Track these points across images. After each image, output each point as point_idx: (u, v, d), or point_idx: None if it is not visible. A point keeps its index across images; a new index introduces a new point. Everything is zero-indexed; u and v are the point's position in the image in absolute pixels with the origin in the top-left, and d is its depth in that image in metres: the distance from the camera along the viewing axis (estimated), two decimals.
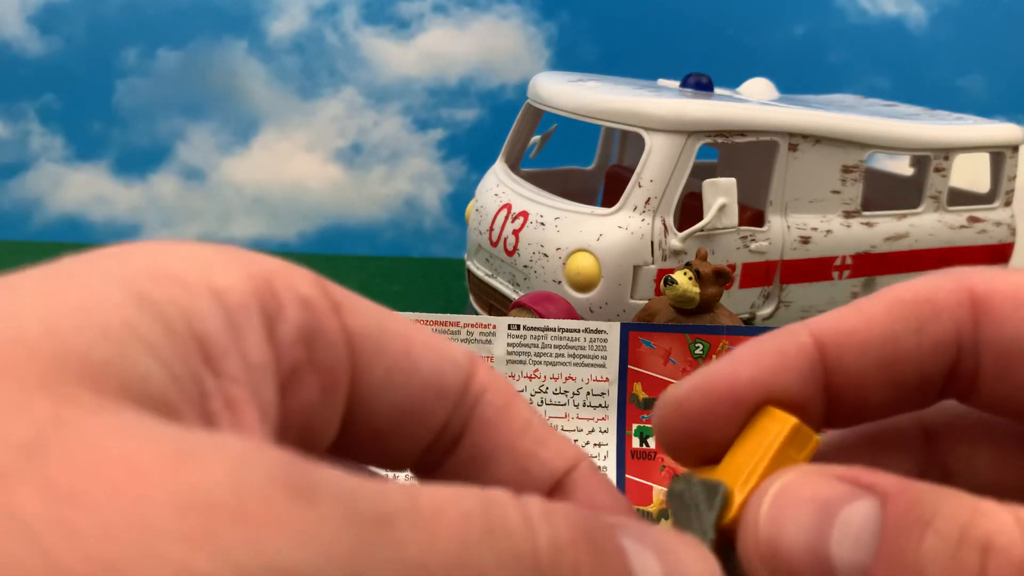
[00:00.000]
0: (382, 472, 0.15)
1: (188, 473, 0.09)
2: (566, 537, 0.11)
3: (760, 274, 0.62)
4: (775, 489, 0.13)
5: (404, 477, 0.16)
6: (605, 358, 0.51)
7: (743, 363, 0.14)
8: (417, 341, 0.14)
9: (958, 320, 0.14)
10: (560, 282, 0.59)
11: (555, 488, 0.15)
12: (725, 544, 0.14)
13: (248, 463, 0.10)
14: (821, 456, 0.14)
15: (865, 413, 0.15)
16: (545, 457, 0.15)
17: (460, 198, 1.00)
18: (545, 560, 0.11)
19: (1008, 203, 0.74)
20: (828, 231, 0.64)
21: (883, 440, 0.15)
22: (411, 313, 0.50)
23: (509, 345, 0.50)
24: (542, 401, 0.50)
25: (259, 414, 0.12)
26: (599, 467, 0.16)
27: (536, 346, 0.51)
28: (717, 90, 0.69)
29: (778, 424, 0.14)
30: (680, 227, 0.59)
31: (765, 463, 0.14)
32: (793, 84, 0.78)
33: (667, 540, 0.12)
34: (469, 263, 0.69)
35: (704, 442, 0.14)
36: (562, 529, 0.11)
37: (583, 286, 0.58)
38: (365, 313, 0.14)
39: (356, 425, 0.14)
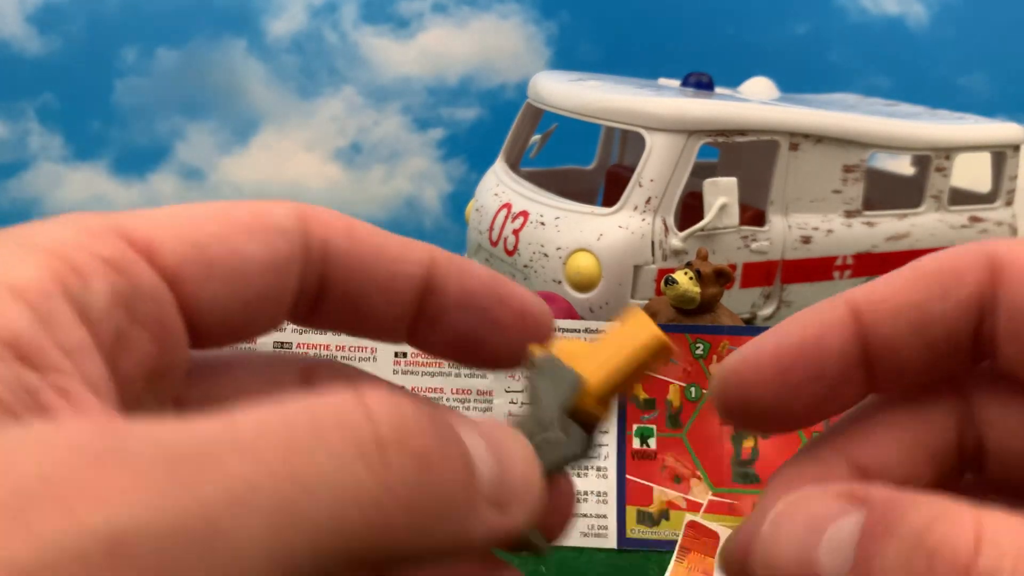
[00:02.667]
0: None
1: None
2: (412, 423, 0.12)
3: (761, 274, 0.62)
4: (777, 509, 0.14)
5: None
6: None
7: (788, 335, 0.15)
8: (232, 238, 0.14)
9: (980, 284, 0.14)
10: (560, 282, 0.59)
11: (426, 291, 0.16)
12: (572, 424, 0.15)
13: (50, 444, 0.10)
14: (866, 427, 0.15)
15: (903, 376, 0.15)
16: (404, 271, 0.16)
17: (460, 198, 1.00)
18: (387, 435, 0.11)
19: (1009, 203, 0.74)
20: (829, 231, 0.64)
21: (921, 408, 0.16)
22: None
23: None
24: None
25: (92, 390, 0.12)
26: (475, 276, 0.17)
27: None
28: (718, 89, 0.69)
29: (645, 333, 0.15)
30: (681, 227, 0.59)
31: (622, 367, 0.15)
32: (794, 83, 0.78)
33: (493, 428, 0.13)
34: None
35: (758, 409, 0.15)
36: (408, 414, 0.12)
37: (583, 286, 0.58)
38: (176, 236, 0.14)
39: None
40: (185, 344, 0.14)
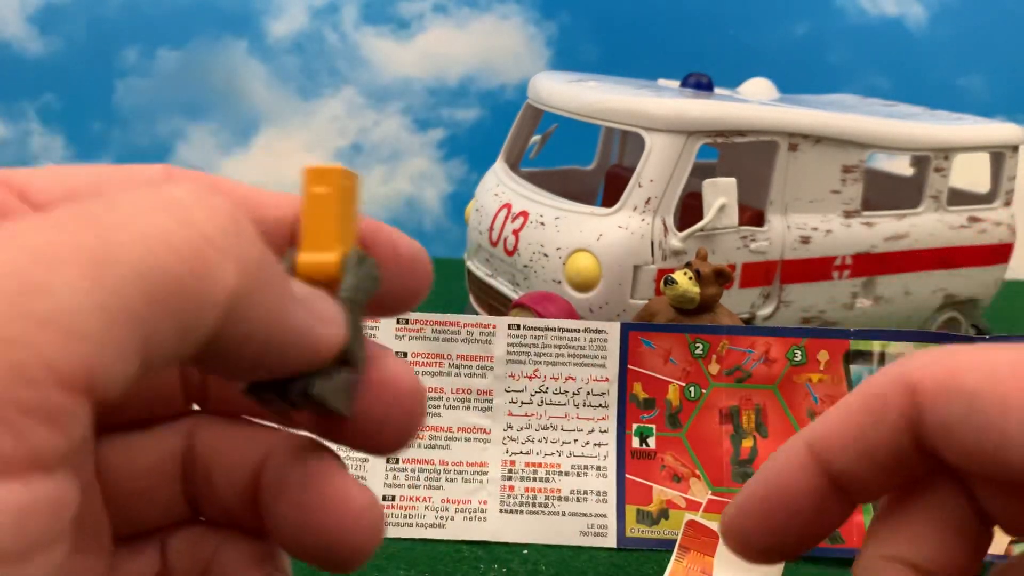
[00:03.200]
0: None
1: None
2: (210, 193, 0.13)
3: (760, 274, 0.62)
4: None
5: None
6: (605, 358, 0.51)
7: (765, 482, 0.17)
8: (101, 186, 0.16)
9: (903, 408, 0.16)
10: (560, 282, 0.59)
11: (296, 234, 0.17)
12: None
13: None
14: (894, 529, 0.17)
15: (875, 491, 0.17)
16: (273, 215, 0.16)
17: (460, 198, 1.00)
18: (190, 200, 0.12)
19: (1008, 203, 0.74)
20: (828, 231, 0.64)
21: (929, 493, 0.17)
22: (412, 313, 0.50)
23: (509, 345, 0.50)
24: (542, 401, 0.50)
25: None
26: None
27: (536, 346, 0.51)
28: (717, 90, 0.69)
29: (327, 183, 0.16)
30: (680, 227, 0.59)
31: (332, 225, 0.16)
32: (793, 84, 0.78)
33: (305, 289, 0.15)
34: (469, 263, 0.69)
35: (761, 547, 0.18)
36: (205, 190, 0.13)
37: (583, 286, 0.58)
38: (50, 182, 0.16)
39: None
40: None
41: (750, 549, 0.18)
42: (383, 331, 0.50)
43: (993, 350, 0.15)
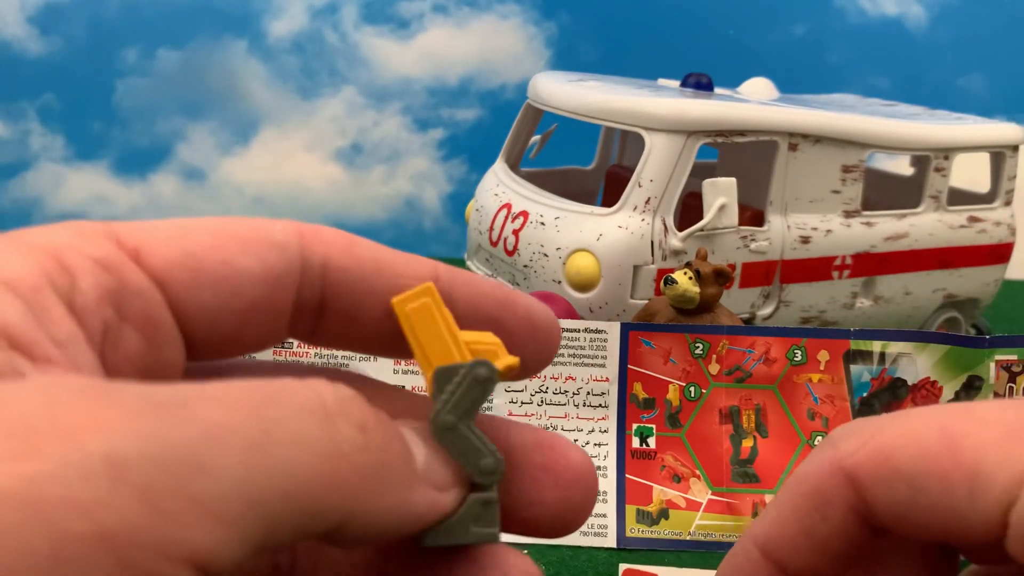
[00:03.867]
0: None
1: (5, 410, 0.11)
2: (352, 400, 0.13)
3: (760, 274, 0.62)
4: None
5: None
6: (605, 358, 0.51)
7: None
8: (224, 248, 0.15)
9: (846, 500, 0.16)
10: (560, 282, 0.59)
11: None
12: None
13: (50, 386, 0.11)
14: None
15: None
16: (407, 285, 0.16)
17: (460, 198, 1.00)
18: (333, 407, 0.13)
19: (1008, 203, 0.74)
20: (828, 231, 0.64)
21: (899, 548, 0.17)
22: None
23: None
24: (542, 401, 0.50)
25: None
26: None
27: None
28: (717, 90, 0.69)
29: (423, 307, 0.16)
30: (680, 227, 0.59)
31: (443, 345, 0.16)
32: (793, 84, 0.78)
33: (425, 428, 0.15)
34: (469, 263, 0.69)
35: None
36: (349, 395, 0.13)
37: (583, 286, 0.58)
38: (166, 242, 0.15)
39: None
40: (179, 347, 0.15)
41: None
42: None
43: (916, 420, 0.15)
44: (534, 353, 0.17)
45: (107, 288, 0.14)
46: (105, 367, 0.14)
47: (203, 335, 0.15)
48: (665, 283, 0.53)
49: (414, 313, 0.16)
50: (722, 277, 0.53)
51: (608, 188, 0.75)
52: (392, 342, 0.17)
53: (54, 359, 0.12)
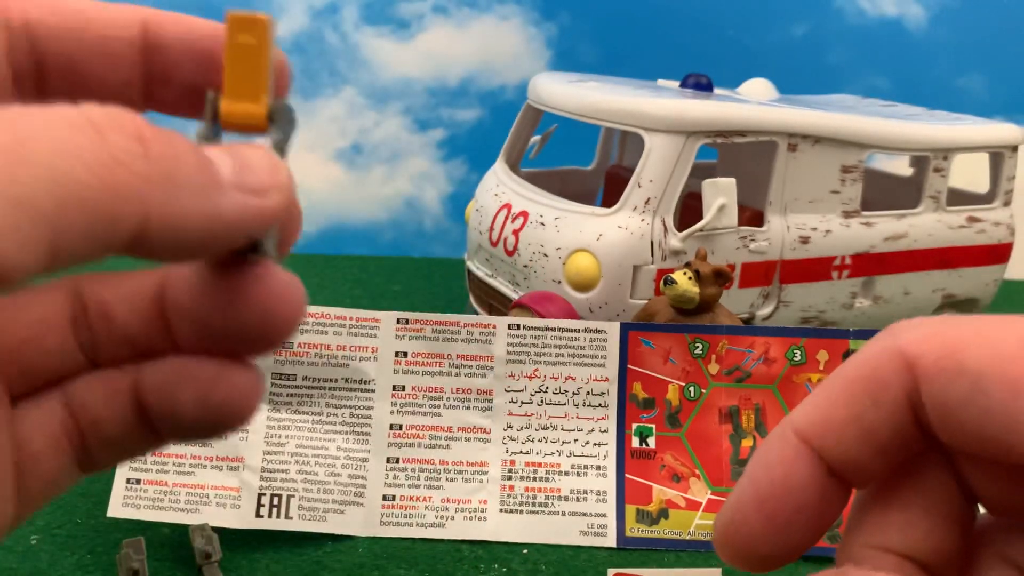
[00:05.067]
0: None
1: None
2: (125, 115, 0.13)
3: (759, 274, 0.62)
4: None
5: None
6: (605, 358, 0.51)
7: (760, 481, 0.16)
8: None
9: (903, 386, 0.15)
10: (560, 282, 0.59)
11: (148, 49, 0.17)
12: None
13: None
14: (881, 516, 0.16)
15: (874, 475, 0.16)
16: (117, 34, 0.17)
17: (460, 198, 1.00)
18: (102, 121, 0.13)
19: (1007, 203, 0.74)
20: (827, 231, 0.64)
21: (917, 478, 0.16)
22: (412, 313, 0.50)
23: (509, 345, 0.51)
24: (542, 401, 0.51)
25: None
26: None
27: (536, 346, 0.51)
28: (717, 90, 0.69)
29: (253, 34, 0.16)
30: (680, 227, 0.59)
31: (258, 75, 0.16)
32: (792, 84, 0.78)
33: (238, 147, 0.15)
34: (469, 263, 0.69)
35: (762, 554, 0.16)
36: (120, 112, 0.13)
37: (583, 286, 0.58)
38: None
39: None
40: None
41: (754, 556, 0.16)
42: (384, 332, 0.50)
43: (994, 325, 0.15)
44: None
45: None
46: None
47: None
48: (665, 283, 0.53)
49: (246, 46, 0.16)
50: (722, 277, 0.53)
51: (608, 188, 0.75)
52: (120, 92, 0.17)
53: None
